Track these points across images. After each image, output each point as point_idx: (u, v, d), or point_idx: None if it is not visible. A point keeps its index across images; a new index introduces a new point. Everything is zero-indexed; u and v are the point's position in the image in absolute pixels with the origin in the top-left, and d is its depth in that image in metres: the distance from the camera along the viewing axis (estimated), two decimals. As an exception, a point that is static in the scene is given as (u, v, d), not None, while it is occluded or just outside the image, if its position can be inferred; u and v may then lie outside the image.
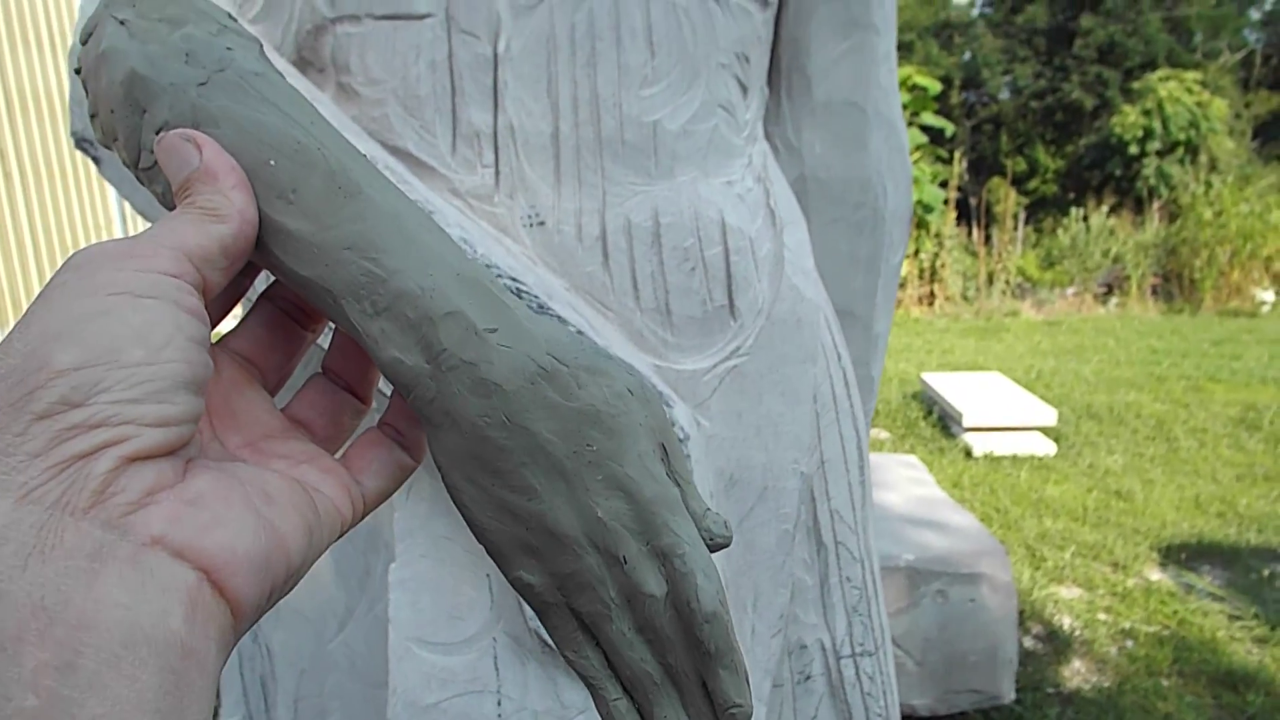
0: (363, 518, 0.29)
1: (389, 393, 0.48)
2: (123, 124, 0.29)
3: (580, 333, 0.48)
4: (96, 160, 0.50)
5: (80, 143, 0.51)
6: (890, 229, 0.74)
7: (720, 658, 0.29)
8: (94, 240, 6.28)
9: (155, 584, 0.20)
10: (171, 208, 0.28)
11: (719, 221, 0.59)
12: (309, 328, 0.31)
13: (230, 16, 0.31)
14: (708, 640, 0.29)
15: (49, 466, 0.20)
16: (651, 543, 0.29)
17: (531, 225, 0.57)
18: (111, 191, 6.55)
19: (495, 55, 0.55)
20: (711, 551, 0.30)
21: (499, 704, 0.58)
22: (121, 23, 0.29)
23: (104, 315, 0.21)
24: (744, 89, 0.62)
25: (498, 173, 0.56)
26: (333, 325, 0.32)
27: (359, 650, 0.68)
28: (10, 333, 0.21)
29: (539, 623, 0.57)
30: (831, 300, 0.73)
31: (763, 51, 0.65)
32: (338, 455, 0.30)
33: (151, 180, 0.29)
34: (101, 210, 6.39)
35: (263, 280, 0.41)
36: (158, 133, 0.28)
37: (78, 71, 0.32)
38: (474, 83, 0.55)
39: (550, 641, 0.57)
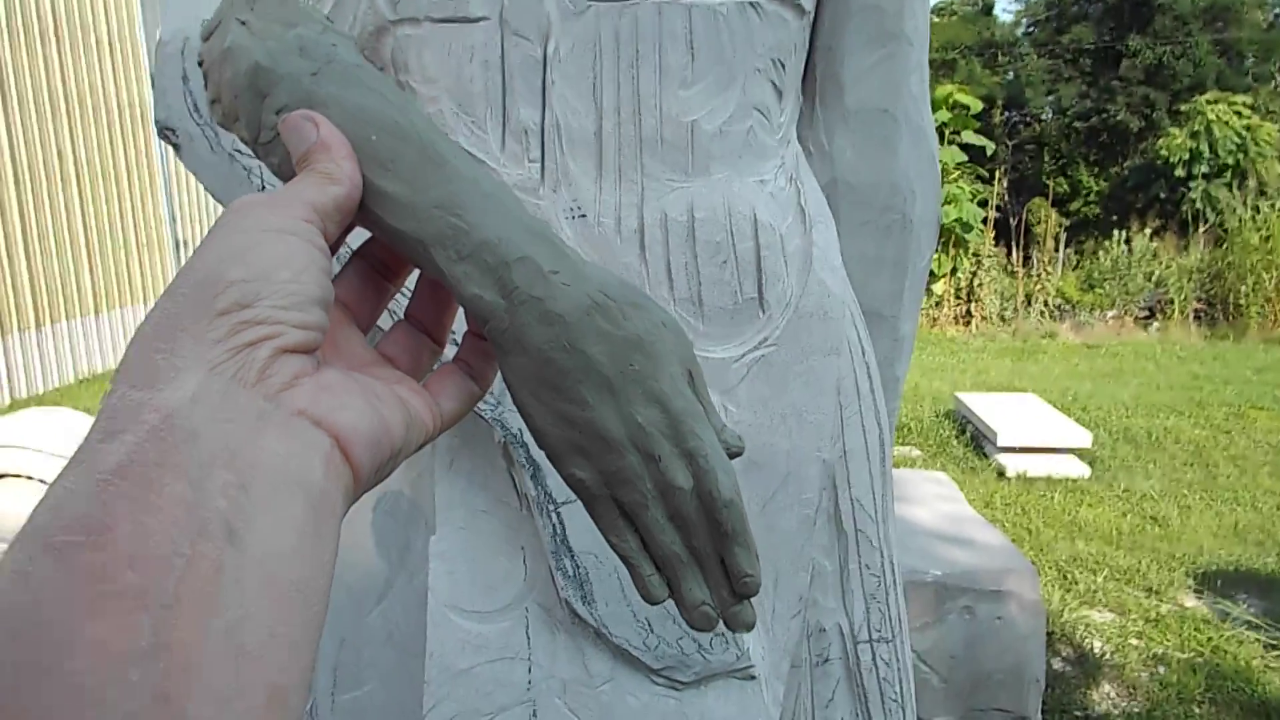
0: (441, 432, 0.35)
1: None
2: (245, 107, 0.35)
3: None
4: (177, 147, 0.55)
5: (163, 131, 0.55)
6: (918, 233, 0.76)
7: (736, 537, 0.36)
8: (144, 239, 6.45)
9: (301, 442, 0.27)
10: (285, 176, 0.34)
11: (751, 218, 0.62)
12: (392, 281, 0.37)
13: (327, 18, 0.37)
14: (726, 522, 0.35)
15: (227, 349, 0.26)
16: (680, 446, 0.35)
17: (573, 217, 0.60)
18: (162, 192, 6.74)
19: (545, 57, 0.58)
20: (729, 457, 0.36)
21: (529, 671, 0.60)
22: (243, 23, 0.35)
23: (260, 246, 0.28)
24: (779, 93, 0.65)
25: (543, 167, 0.60)
26: (412, 283, 0.38)
27: (397, 621, 0.71)
28: (191, 258, 0.28)
29: (569, 593, 0.60)
30: (859, 301, 0.75)
31: (798, 58, 0.68)
32: (420, 384, 0.36)
33: (269, 153, 0.35)
34: (152, 210, 6.58)
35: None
36: (278, 113, 0.34)
37: (200, 64, 0.38)
38: (524, 82, 0.59)
39: (580, 612, 0.60)
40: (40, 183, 5.51)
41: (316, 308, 0.29)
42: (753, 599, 0.38)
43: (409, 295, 0.38)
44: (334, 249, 0.33)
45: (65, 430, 2.91)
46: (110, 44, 6.20)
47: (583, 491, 0.36)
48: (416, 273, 0.37)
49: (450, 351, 0.56)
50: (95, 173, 6.05)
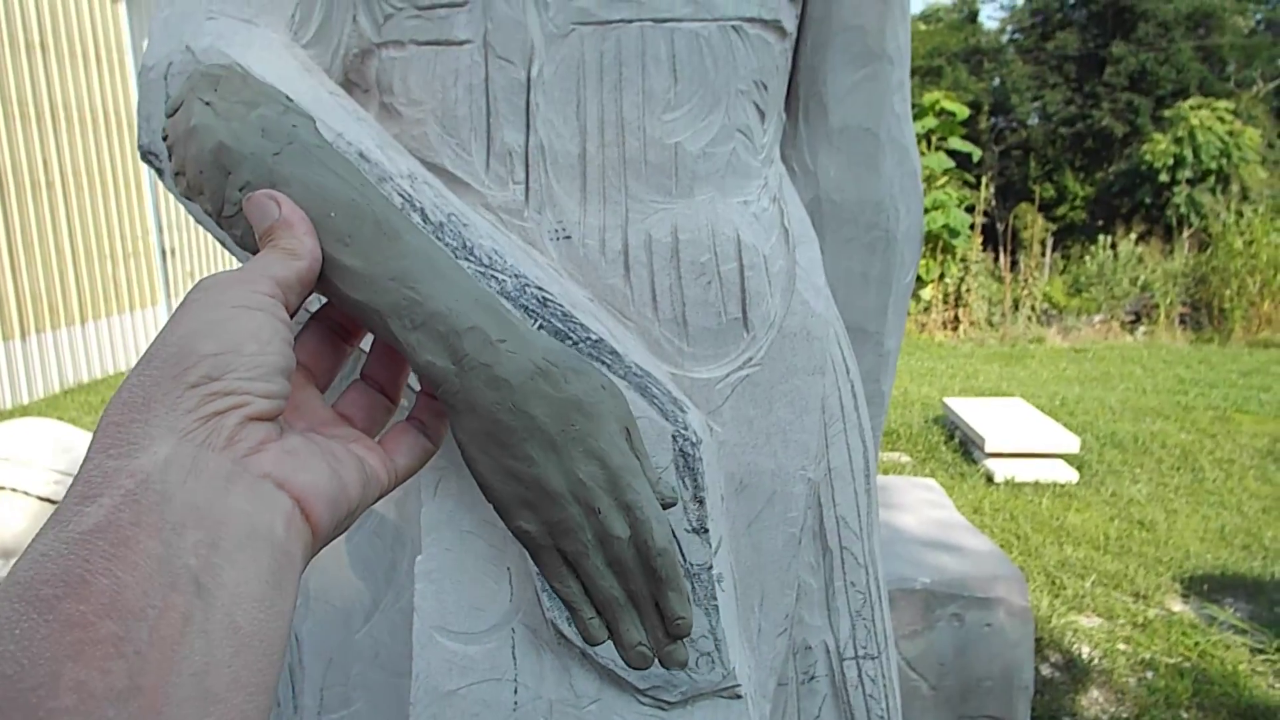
0: (395, 487, 0.37)
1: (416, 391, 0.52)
2: (210, 183, 0.37)
3: (575, 342, 0.54)
4: (160, 172, 0.55)
5: (145, 155, 0.55)
6: (901, 249, 0.77)
7: (669, 582, 0.39)
8: (129, 247, 6.42)
9: (266, 502, 0.29)
10: (248, 248, 0.36)
11: (735, 239, 0.62)
12: (349, 343, 0.39)
13: (287, 97, 0.39)
14: (660, 569, 0.39)
15: (197, 418, 0.28)
16: (618, 498, 0.38)
17: (558, 239, 0.60)
18: (149, 201, 6.70)
19: (528, 80, 0.59)
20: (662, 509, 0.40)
21: (515, 692, 0.60)
22: (207, 104, 0.37)
23: (230, 320, 0.30)
24: (762, 114, 0.65)
25: (528, 189, 0.60)
26: (368, 343, 0.39)
27: (384, 641, 0.71)
28: (162, 331, 0.30)
29: (555, 614, 0.60)
30: (844, 317, 0.76)
31: (781, 79, 0.68)
32: (375, 440, 0.37)
33: (232, 226, 0.37)
34: (139, 219, 6.54)
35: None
36: (241, 190, 0.36)
37: (164, 138, 0.40)
38: (508, 105, 0.59)
39: (565, 633, 0.60)
40: (26, 191, 5.47)
41: (280, 377, 0.31)
42: (685, 638, 0.42)
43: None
44: (293, 315, 0.35)
45: (52, 442, 2.88)
46: (97, 53, 6.17)
47: (528, 542, 0.38)
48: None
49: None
50: (81, 181, 6.01)
